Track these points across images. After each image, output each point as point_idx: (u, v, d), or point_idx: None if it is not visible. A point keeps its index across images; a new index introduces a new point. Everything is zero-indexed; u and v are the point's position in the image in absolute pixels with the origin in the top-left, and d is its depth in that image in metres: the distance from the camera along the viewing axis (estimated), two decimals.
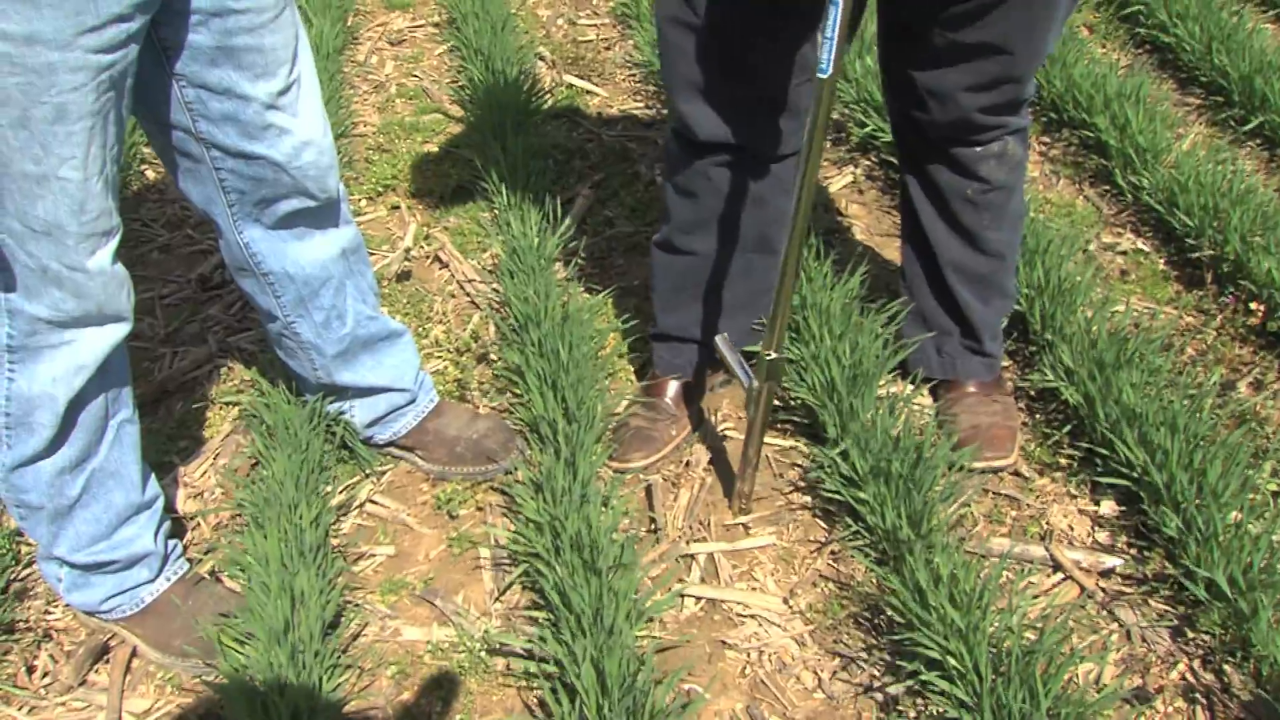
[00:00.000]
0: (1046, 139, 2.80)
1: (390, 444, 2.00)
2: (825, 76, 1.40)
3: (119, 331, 1.49)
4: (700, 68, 1.66)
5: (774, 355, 1.67)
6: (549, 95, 3.00)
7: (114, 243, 1.43)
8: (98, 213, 1.38)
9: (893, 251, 2.43)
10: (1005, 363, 2.14)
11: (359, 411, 1.95)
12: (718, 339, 1.81)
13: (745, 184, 1.78)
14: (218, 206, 1.62)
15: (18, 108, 1.27)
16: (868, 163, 2.73)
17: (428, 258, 2.50)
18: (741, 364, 1.77)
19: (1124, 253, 2.45)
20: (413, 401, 1.97)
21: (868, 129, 2.71)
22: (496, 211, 2.54)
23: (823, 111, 1.43)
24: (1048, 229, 2.33)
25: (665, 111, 2.91)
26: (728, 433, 2.05)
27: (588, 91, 3.06)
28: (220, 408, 2.14)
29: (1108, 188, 2.63)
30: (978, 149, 1.77)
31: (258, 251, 1.68)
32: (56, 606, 1.79)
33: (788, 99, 1.70)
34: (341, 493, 1.96)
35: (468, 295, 2.39)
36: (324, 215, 1.69)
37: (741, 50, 1.63)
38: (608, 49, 3.26)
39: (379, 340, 1.88)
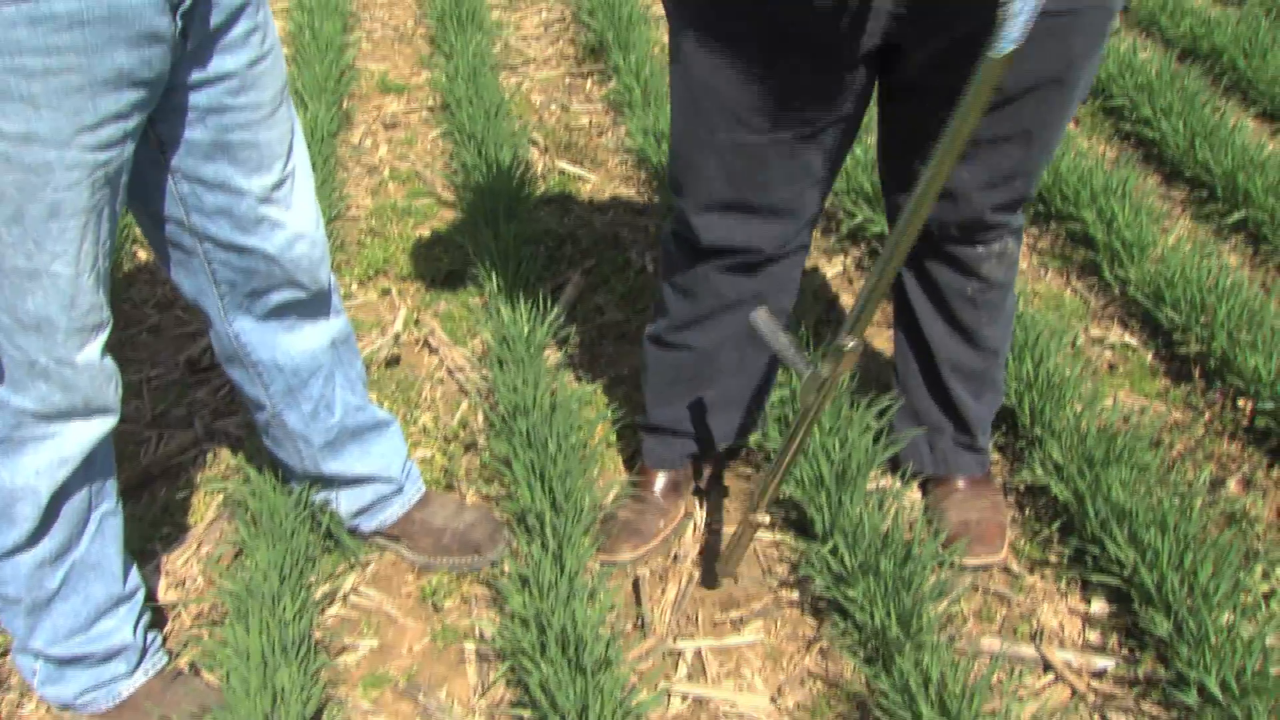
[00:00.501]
0: (1035, 230, 2.82)
1: (376, 533, 1.98)
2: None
3: (105, 424, 1.48)
4: (713, 180, 1.66)
5: (854, 344, 1.51)
6: (541, 180, 3.03)
7: (103, 336, 1.43)
8: (88, 307, 1.38)
9: (882, 342, 2.44)
10: (994, 457, 2.14)
11: (344, 501, 1.93)
12: (758, 319, 1.61)
13: (744, 284, 1.78)
14: (209, 297, 1.62)
15: (12, 204, 1.27)
16: (857, 252, 2.74)
17: (417, 343, 2.50)
18: (795, 348, 1.60)
19: (1112, 346, 2.46)
20: (399, 491, 1.95)
21: (857, 219, 2.73)
22: (487, 297, 2.55)
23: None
24: (1036, 322, 2.34)
25: (657, 199, 2.93)
26: (716, 526, 2.04)
27: (579, 177, 3.09)
28: (205, 494, 2.12)
29: (1095, 280, 2.65)
30: (980, 248, 1.78)
31: (247, 342, 1.67)
32: (30, 699, 1.76)
33: (795, 206, 1.70)
34: (326, 583, 1.93)
35: (456, 382, 2.39)
36: (315, 306, 1.69)
37: (758, 166, 1.64)
38: (600, 135, 3.29)
39: (367, 430, 1.87)
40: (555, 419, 2.07)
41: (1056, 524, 1.98)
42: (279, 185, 1.53)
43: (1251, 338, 2.26)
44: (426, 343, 2.49)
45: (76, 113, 1.25)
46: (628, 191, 3.03)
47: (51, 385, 1.40)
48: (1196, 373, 2.32)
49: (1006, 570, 1.94)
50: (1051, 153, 1.70)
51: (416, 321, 2.55)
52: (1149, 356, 2.42)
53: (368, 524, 1.96)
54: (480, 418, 2.27)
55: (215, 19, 1.37)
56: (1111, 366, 2.41)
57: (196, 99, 1.41)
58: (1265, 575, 1.85)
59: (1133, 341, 2.47)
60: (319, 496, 1.93)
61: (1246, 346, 2.24)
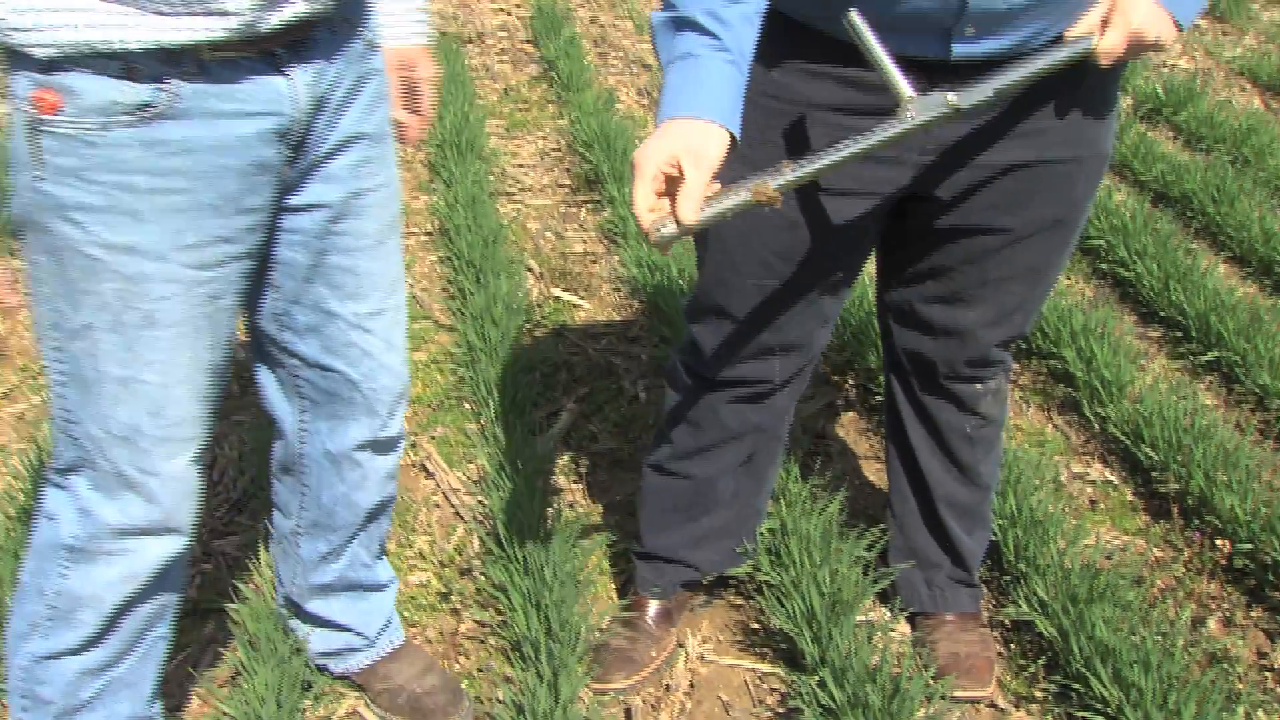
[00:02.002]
0: (1016, 367, 2.91)
1: (342, 676, 1.98)
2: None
3: (175, 544, 1.51)
4: (734, 319, 1.75)
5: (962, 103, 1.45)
6: (537, 307, 3.10)
7: (192, 451, 1.47)
8: (177, 419, 1.42)
9: (871, 474, 2.50)
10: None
11: (316, 640, 1.94)
12: (855, 20, 1.44)
13: (749, 414, 1.85)
14: (288, 411, 1.69)
15: (111, 312, 1.34)
16: (844, 388, 2.82)
17: (414, 466, 2.54)
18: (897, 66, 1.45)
19: (1093, 483, 2.52)
20: (370, 645, 1.95)
21: (845, 354, 2.81)
22: (484, 422, 2.60)
23: None
24: (1019, 458, 2.41)
25: (650, 328, 3.01)
26: (708, 655, 2.07)
27: (574, 305, 3.17)
28: (202, 614, 2.14)
29: (1075, 416, 2.73)
30: (978, 385, 1.86)
31: (308, 467, 1.74)
32: None
33: (806, 343, 1.79)
34: (323, 707, 1.94)
35: (453, 506, 2.43)
36: (385, 456, 1.75)
37: (779, 310, 1.73)
38: (594, 263, 3.38)
39: (364, 588, 1.89)
40: (552, 546, 2.11)
41: (1042, 660, 2.01)
42: (374, 315, 1.60)
43: (1227, 478, 2.33)
44: (424, 466, 2.54)
45: (178, 231, 1.32)
46: (621, 320, 3.11)
47: (136, 497, 1.44)
48: (1175, 511, 2.38)
49: (993, 705, 1.97)
50: (1051, 288, 1.80)
51: (414, 445, 2.59)
52: (1129, 493, 2.49)
53: (335, 667, 1.96)
54: (476, 543, 2.30)
55: (322, 149, 1.45)
56: (1093, 502, 2.47)
57: (298, 222, 1.48)
58: (1248, 717, 1.89)
59: (1113, 478, 2.53)
60: (293, 623, 1.94)
61: (1223, 487, 2.31)
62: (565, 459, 2.54)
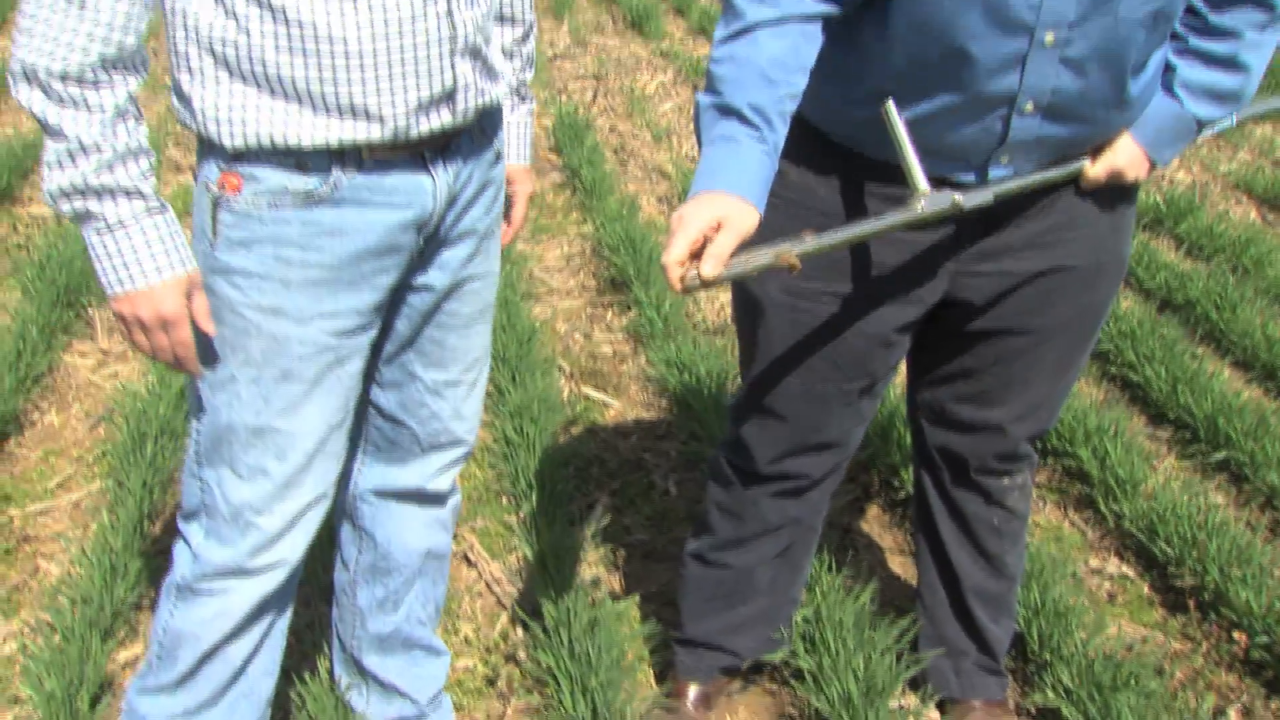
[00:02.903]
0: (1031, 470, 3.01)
1: None
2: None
3: (272, 581, 1.66)
4: (778, 419, 1.87)
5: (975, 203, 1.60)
6: (569, 405, 3.22)
7: (310, 497, 1.63)
8: (300, 465, 1.60)
9: (897, 566, 2.59)
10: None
11: (374, 703, 2.03)
12: (891, 110, 1.56)
13: (789, 507, 1.96)
14: (352, 454, 1.81)
15: (255, 367, 1.53)
16: (869, 483, 2.92)
17: (457, 557, 2.63)
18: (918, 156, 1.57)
19: (1110, 577, 2.62)
20: (421, 717, 2.04)
21: (870, 450, 2.92)
22: (523, 515, 2.70)
23: None
24: (1039, 552, 2.50)
25: (678, 425, 3.12)
26: None
27: (604, 403, 3.29)
28: None
29: (1091, 513, 2.83)
30: (1005, 480, 1.97)
31: (363, 508, 1.89)
32: None
33: (845, 441, 1.91)
34: None
35: (495, 595, 2.52)
36: (432, 505, 1.90)
37: (821, 412, 1.85)
38: (622, 363, 3.51)
39: (419, 648, 2.00)
40: (597, 633, 2.19)
41: None
42: (450, 385, 1.77)
43: (1242, 573, 2.42)
44: (465, 557, 2.63)
45: (319, 300, 1.51)
46: (650, 417, 3.23)
47: (247, 539, 1.60)
48: (1192, 604, 2.47)
49: None
50: (1073, 385, 1.93)
51: (456, 536, 2.68)
52: (1145, 587, 2.58)
53: None
54: (520, 630, 2.39)
55: (448, 236, 1.64)
56: (1111, 596, 2.56)
57: (411, 299, 1.67)
58: None
59: (1130, 573, 2.62)
60: (349, 690, 2.04)
61: (1238, 581, 2.40)
62: (602, 550, 2.64)
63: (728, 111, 1.51)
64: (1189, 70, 1.64)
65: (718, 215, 1.44)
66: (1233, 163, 5.30)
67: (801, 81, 1.54)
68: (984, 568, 2.08)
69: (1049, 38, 1.49)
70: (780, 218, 1.65)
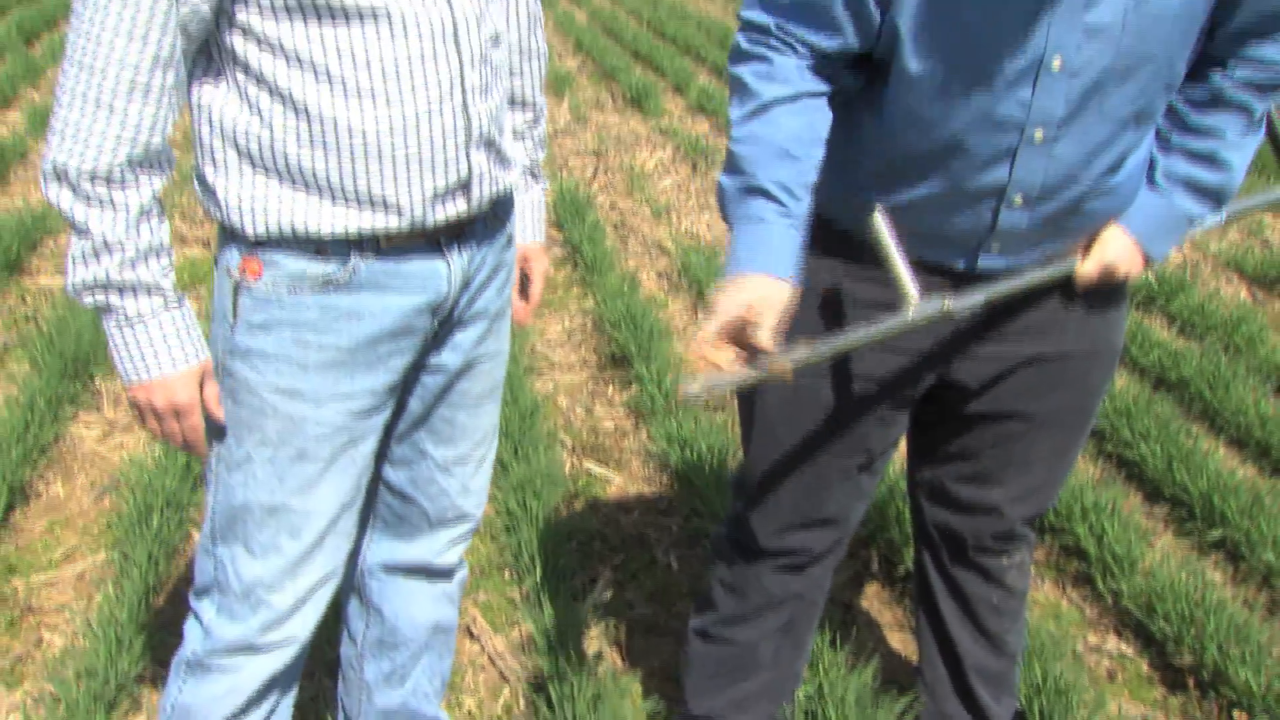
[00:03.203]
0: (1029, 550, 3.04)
1: None
2: None
3: (282, 657, 1.69)
4: (779, 495, 1.90)
5: (958, 308, 1.61)
6: (571, 480, 3.25)
7: (320, 574, 1.67)
8: (312, 544, 1.63)
9: (896, 642, 2.61)
10: None
11: None
12: (877, 222, 1.61)
13: (791, 583, 1.98)
14: (362, 529, 1.85)
15: (270, 447, 1.56)
16: (868, 560, 2.94)
17: (460, 630, 2.64)
18: (908, 267, 1.60)
19: (1109, 655, 2.63)
20: None
21: (870, 527, 2.95)
22: (526, 590, 2.72)
23: None
24: (1039, 629, 2.52)
25: (680, 501, 3.15)
26: None
27: (605, 478, 3.32)
28: None
29: (1089, 590, 2.85)
30: (1004, 559, 2.00)
31: (371, 582, 1.92)
32: None
33: (846, 517, 1.94)
34: None
35: (498, 669, 2.53)
36: (439, 579, 1.93)
37: (822, 488, 1.88)
38: (623, 438, 3.55)
39: None
40: (601, 708, 2.20)
41: None
42: (459, 461, 1.80)
43: (1241, 652, 2.44)
44: (469, 630, 2.64)
45: (335, 382, 1.55)
46: (651, 493, 3.25)
47: (258, 616, 1.63)
48: (1191, 683, 2.49)
49: None
50: (1071, 469, 1.96)
51: (459, 610, 2.70)
52: (1144, 665, 2.59)
53: None
54: (523, 704, 2.39)
55: (461, 318, 1.68)
56: (1110, 674, 2.58)
57: (424, 379, 1.71)
58: None
59: (1129, 651, 2.64)
60: None
61: (1237, 660, 2.42)
62: (605, 625, 2.65)
63: (754, 191, 1.57)
64: (1172, 164, 1.69)
65: (753, 299, 1.50)
66: (1222, 242, 5.38)
67: (819, 153, 1.59)
68: (985, 646, 2.10)
69: (1038, 134, 1.55)
70: None
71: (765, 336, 1.48)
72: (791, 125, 1.57)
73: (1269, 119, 1.80)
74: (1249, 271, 5.01)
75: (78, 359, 3.61)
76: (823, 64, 1.59)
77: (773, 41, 1.58)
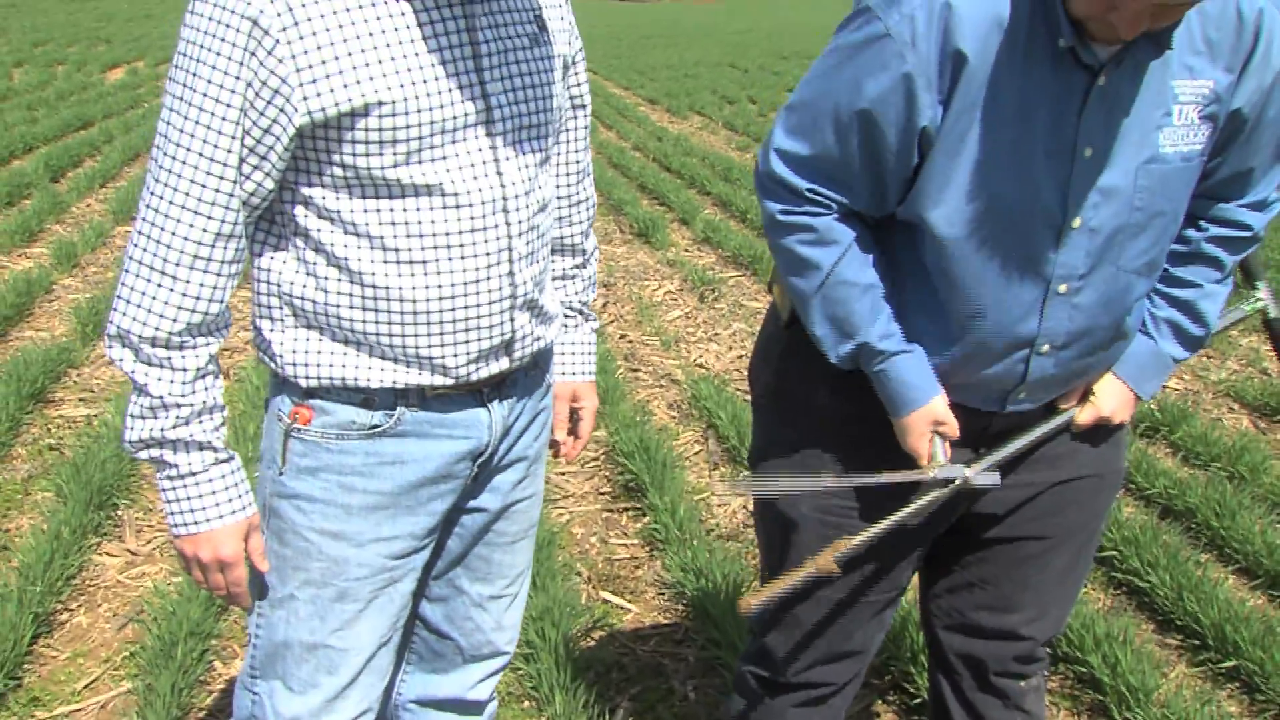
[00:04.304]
0: (1044, 672, 3.06)
1: None
2: None
3: None
4: (804, 632, 1.95)
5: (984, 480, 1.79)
6: (587, 610, 3.28)
7: (354, 711, 1.71)
8: (348, 680, 1.68)
9: None
10: None
11: None
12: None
13: (812, 715, 2.02)
14: (398, 664, 1.89)
15: (314, 587, 1.62)
16: (880, 687, 2.96)
17: None
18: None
19: None
20: None
21: (883, 655, 2.97)
22: (546, 718, 2.74)
23: None
24: None
25: (695, 631, 3.18)
26: None
27: (621, 608, 3.35)
28: None
29: None
30: (1022, 683, 2.04)
31: (403, 717, 1.96)
32: None
33: (866, 649, 1.99)
34: None
35: None
36: (470, 716, 1.97)
37: (848, 625, 1.94)
38: (638, 568, 3.59)
39: None
40: None
41: None
42: (494, 599, 1.86)
43: None
44: None
45: (378, 525, 1.62)
46: (667, 622, 3.29)
47: None
48: None
49: None
50: (1081, 585, 2.03)
51: None
52: None
53: None
54: None
55: (501, 463, 1.75)
56: None
57: (464, 520, 1.78)
58: None
59: None
60: None
61: None
62: None
63: (867, 349, 1.72)
64: (1158, 311, 1.83)
65: (933, 417, 1.74)
66: (1222, 371, 5.48)
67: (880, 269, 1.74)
68: None
69: (1062, 288, 1.67)
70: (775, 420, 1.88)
71: (955, 431, 1.75)
72: (856, 276, 1.70)
73: (1266, 320, 1.99)
74: (1250, 400, 5.09)
75: (102, 489, 3.68)
76: (847, 212, 1.71)
77: (808, 207, 1.68)
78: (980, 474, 1.76)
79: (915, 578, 2.12)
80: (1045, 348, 1.72)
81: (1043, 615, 2.00)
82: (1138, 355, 1.84)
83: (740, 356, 5.51)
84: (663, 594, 3.43)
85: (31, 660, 2.96)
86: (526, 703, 2.86)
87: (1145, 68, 1.56)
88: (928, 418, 1.73)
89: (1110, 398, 1.83)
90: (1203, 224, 1.77)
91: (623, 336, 5.84)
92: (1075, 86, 1.56)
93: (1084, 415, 1.84)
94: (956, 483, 1.74)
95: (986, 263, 1.64)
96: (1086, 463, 1.90)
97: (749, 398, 5.04)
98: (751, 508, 2.08)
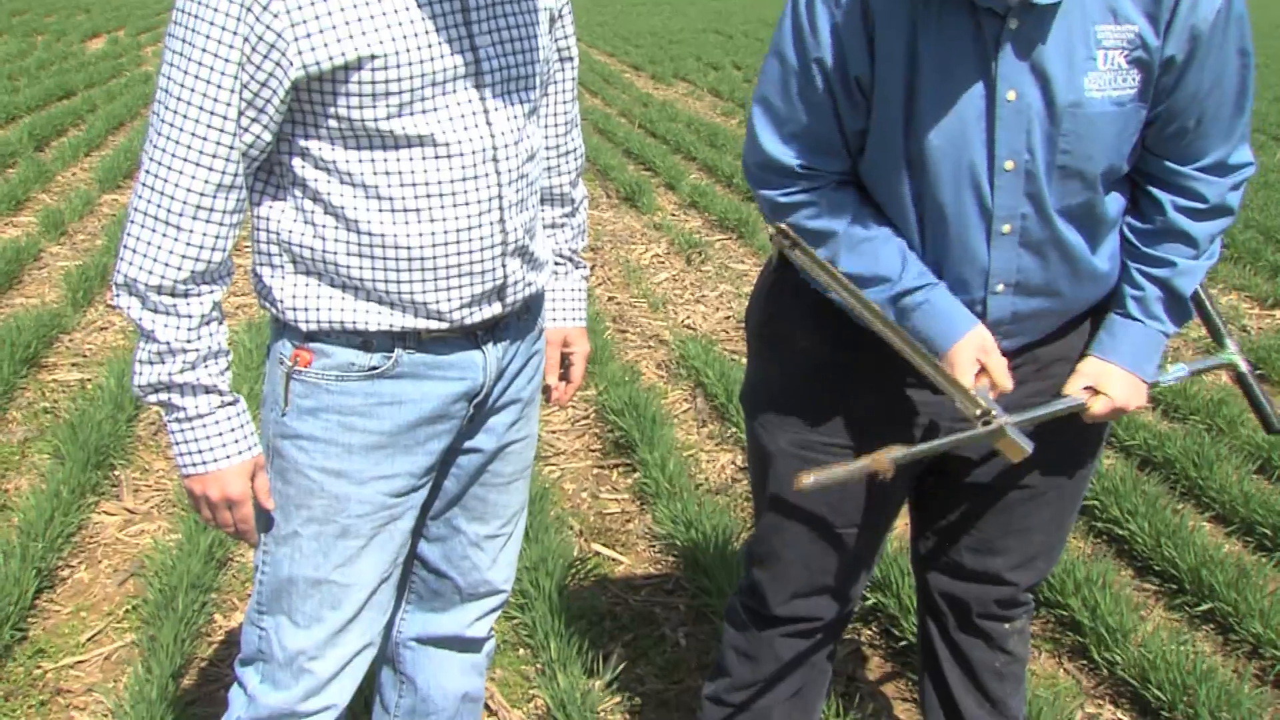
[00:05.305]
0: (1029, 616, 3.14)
1: None
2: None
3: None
4: (790, 564, 2.01)
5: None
6: (580, 561, 3.35)
7: (360, 643, 1.77)
8: (352, 614, 1.73)
9: (902, 712, 2.70)
10: None
11: None
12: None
13: (800, 648, 2.08)
14: (398, 602, 1.95)
15: (317, 524, 1.68)
16: (869, 633, 3.04)
17: None
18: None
19: None
20: None
21: (871, 601, 3.05)
22: (540, 666, 2.81)
23: None
24: (1037, 698, 2.62)
25: (686, 580, 3.25)
26: None
27: (613, 559, 3.42)
28: None
29: (1085, 662, 2.95)
30: (1006, 625, 2.11)
31: (404, 654, 2.02)
32: None
33: (850, 585, 2.04)
34: None
35: None
36: (469, 653, 2.02)
37: (831, 556, 2.00)
38: (629, 521, 3.66)
39: None
40: None
41: None
42: (490, 538, 1.92)
43: (1232, 717, 2.54)
44: (486, 705, 2.72)
45: (378, 463, 1.68)
46: (658, 573, 3.36)
47: (300, 684, 1.73)
48: None
49: None
50: (1066, 538, 2.08)
51: None
52: None
53: None
54: None
55: (495, 404, 1.80)
56: None
57: (460, 460, 1.83)
58: None
59: (1125, 718, 2.73)
60: None
61: None
62: (617, 699, 2.74)
63: (900, 295, 1.77)
64: (1137, 292, 1.84)
65: (976, 347, 1.74)
66: (1202, 330, 5.56)
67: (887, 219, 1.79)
68: (990, 711, 2.19)
69: (1005, 228, 1.73)
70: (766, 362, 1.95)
71: (1001, 365, 1.74)
72: (872, 234, 1.76)
73: (1237, 374, 2.01)
74: None
75: (99, 450, 3.72)
76: (845, 180, 1.79)
77: (803, 183, 1.77)
78: (1015, 429, 1.72)
79: (907, 524, 2.19)
80: (1000, 287, 1.77)
81: (1026, 563, 2.06)
82: (1131, 341, 1.85)
83: (727, 318, 5.57)
84: (653, 546, 3.50)
85: (35, 614, 3.01)
86: (522, 650, 2.93)
87: (1057, 10, 1.60)
88: (975, 343, 1.74)
89: (1119, 387, 1.84)
90: (1161, 195, 1.78)
91: (611, 299, 5.89)
92: (989, 32, 1.62)
93: (1098, 406, 1.84)
94: (994, 427, 1.72)
95: (930, 207, 1.72)
96: (1069, 420, 1.93)
97: (735, 357, 5.09)
98: (742, 461, 2.15)
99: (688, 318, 5.60)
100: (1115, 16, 1.62)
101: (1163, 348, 1.88)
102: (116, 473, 3.76)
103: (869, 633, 3.05)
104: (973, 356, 1.73)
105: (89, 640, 2.94)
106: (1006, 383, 1.74)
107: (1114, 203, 1.79)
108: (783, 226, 1.64)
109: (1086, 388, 1.85)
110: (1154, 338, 1.86)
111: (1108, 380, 1.84)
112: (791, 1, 1.71)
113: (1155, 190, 1.79)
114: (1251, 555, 3.42)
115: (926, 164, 1.69)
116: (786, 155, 1.76)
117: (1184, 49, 1.64)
